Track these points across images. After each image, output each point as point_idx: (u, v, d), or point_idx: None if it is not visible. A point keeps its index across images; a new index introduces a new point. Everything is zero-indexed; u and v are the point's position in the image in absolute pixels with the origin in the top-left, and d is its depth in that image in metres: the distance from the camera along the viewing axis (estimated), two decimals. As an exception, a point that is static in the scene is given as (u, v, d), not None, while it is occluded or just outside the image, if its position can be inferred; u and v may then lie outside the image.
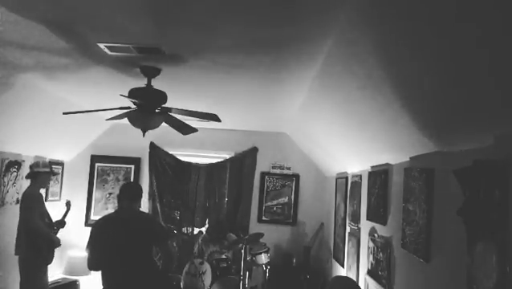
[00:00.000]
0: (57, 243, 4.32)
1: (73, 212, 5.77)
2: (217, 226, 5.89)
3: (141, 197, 3.53)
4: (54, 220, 4.49)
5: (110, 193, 6.08)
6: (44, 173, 4.38)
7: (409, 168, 2.54)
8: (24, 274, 4.12)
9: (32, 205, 4.20)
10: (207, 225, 6.02)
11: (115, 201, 5.99)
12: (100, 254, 3.24)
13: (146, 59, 2.99)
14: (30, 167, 4.42)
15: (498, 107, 1.51)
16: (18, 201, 4.56)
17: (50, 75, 3.55)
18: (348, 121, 3.27)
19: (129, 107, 3.36)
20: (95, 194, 6.08)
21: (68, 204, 4.72)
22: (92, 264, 3.27)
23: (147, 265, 3.29)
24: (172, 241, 5.43)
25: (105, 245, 3.25)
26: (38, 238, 4.15)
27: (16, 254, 4.19)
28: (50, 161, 4.60)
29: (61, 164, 5.70)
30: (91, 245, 3.28)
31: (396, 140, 2.62)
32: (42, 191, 4.62)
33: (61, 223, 4.50)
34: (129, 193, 3.44)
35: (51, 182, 5.27)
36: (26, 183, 4.74)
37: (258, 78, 3.37)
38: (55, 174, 4.70)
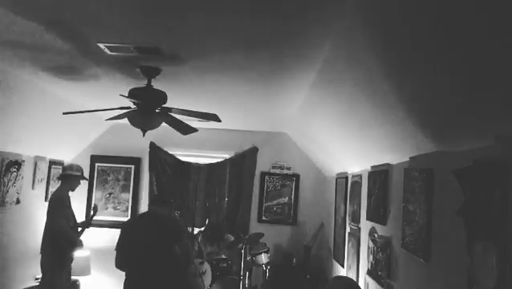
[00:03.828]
0: (79, 244, 4.37)
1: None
2: (215, 226, 5.89)
3: (166, 202, 3.82)
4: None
5: (110, 193, 6.07)
6: (75, 177, 4.47)
7: (409, 169, 2.54)
8: (45, 273, 4.18)
9: (58, 206, 4.25)
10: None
11: (116, 201, 6.02)
12: (128, 253, 3.39)
13: (146, 59, 2.99)
14: (64, 168, 4.56)
15: (498, 107, 1.51)
16: (18, 202, 4.56)
17: (50, 75, 3.55)
18: (348, 121, 3.27)
19: (129, 107, 3.36)
20: (95, 194, 6.07)
21: (95, 208, 4.77)
22: (119, 263, 3.41)
23: (171, 265, 3.41)
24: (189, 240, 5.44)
25: (133, 244, 3.41)
26: (61, 239, 4.20)
27: (41, 252, 4.28)
28: (80, 166, 4.66)
29: (61, 164, 5.69)
30: (121, 243, 3.42)
31: (396, 140, 2.62)
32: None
33: (86, 224, 4.56)
34: (154, 199, 3.98)
35: (52, 182, 5.28)
36: (26, 183, 4.76)
37: (258, 78, 3.37)
38: (86, 179, 4.75)
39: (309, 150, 5.82)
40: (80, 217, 4.73)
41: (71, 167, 4.50)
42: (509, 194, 1.47)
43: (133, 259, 3.40)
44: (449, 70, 1.62)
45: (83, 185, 5.99)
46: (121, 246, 3.42)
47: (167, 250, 3.42)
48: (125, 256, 3.39)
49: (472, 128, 1.79)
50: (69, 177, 4.43)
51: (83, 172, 4.60)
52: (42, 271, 4.22)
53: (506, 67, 1.31)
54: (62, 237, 4.20)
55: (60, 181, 4.55)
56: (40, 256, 4.27)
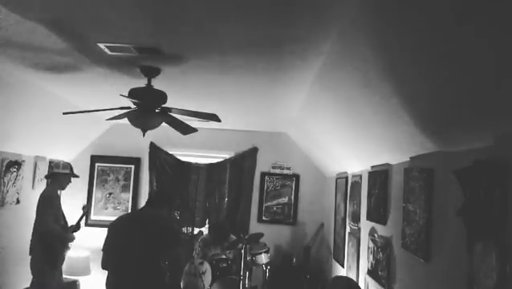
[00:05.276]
0: (70, 239, 4.29)
1: (73, 212, 5.78)
2: (218, 227, 5.89)
3: (165, 202, 3.56)
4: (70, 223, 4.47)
5: (110, 193, 6.07)
6: (63, 175, 4.35)
7: (409, 168, 2.54)
8: (36, 274, 4.10)
9: (45, 206, 4.15)
10: (207, 226, 6.01)
11: (115, 201, 6.02)
12: (112, 252, 3.27)
13: (146, 59, 2.99)
14: (51, 167, 4.43)
15: (498, 107, 1.51)
16: (18, 202, 4.56)
17: (50, 75, 3.55)
18: (348, 121, 3.27)
19: (129, 107, 3.36)
20: (95, 194, 6.07)
21: (84, 208, 4.71)
22: (104, 263, 3.29)
23: (153, 269, 3.27)
24: (183, 248, 5.33)
25: (117, 244, 3.28)
26: (51, 239, 4.13)
27: (30, 254, 4.19)
28: (69, 163, 4.55)
29: (61, 164, 5.70)
30: (106, 243, 3.29)
31: (396, 140, 2.62)
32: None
33: (76, 227, 4.47)
34: (151, 197, 3.71)
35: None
36: (26, 183, 4.76)
37: (258, 78, 3.36)
38: (76, 176, 4.58)
39: (309, 150, 5.82)
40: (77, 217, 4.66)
41: (57, 165, 4.36)
42: (509, 194, 1.47)
43: (118, 262, 3.24)
44: (450, 69, 1.62)
45: (84, 185, 6.01)
46: (107, 248, 3.27)
47: (153, 260, 3.24)
48: (111, 258, 3.25)
49: (472, 128, 1.79)
50: (56, 175, 4.31)
51: (72, 169, 4.44)
52: (32, 273, 4.10)
53: (506, 66, 1.31)
54: (51, 237, 4.11)
55: (49, 181, 4.39)
56: (30, 258, 4.14)
